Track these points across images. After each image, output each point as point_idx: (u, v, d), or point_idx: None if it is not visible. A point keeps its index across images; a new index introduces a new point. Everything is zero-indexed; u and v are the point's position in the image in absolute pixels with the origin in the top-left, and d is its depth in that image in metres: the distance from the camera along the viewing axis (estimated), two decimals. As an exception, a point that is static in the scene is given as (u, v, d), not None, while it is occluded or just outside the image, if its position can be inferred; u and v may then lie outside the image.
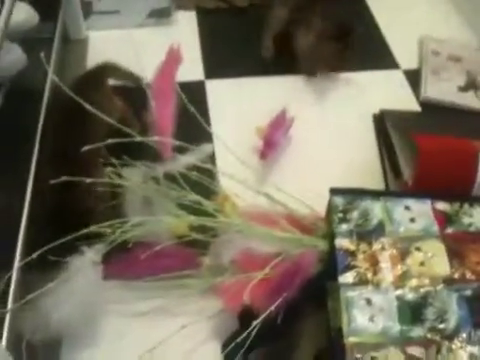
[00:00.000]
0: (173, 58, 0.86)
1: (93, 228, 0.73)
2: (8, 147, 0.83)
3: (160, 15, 1.23)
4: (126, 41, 1.18)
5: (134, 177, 0.80)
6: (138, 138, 0.75)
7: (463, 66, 1.17)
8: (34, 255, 0.67)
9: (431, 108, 1.09)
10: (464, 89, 1.12)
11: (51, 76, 0.90)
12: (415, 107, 1.10)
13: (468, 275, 0.72)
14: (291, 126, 1.01)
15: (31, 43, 0.99)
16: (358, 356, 0.66)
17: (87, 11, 1.20)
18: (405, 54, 1.21)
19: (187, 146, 0.81)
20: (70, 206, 0.78)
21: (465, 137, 0.91)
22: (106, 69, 0.98)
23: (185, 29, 1.25)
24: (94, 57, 1.16)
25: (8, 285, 0.68)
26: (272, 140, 0.96)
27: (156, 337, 0.72)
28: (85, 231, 0.71)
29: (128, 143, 0.77)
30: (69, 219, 0.75)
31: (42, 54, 0.77)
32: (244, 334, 0.69)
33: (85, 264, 0.73)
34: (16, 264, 0.70)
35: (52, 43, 1.04)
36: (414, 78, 1.15)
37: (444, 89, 1.11)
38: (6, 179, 0.79)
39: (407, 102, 1.10)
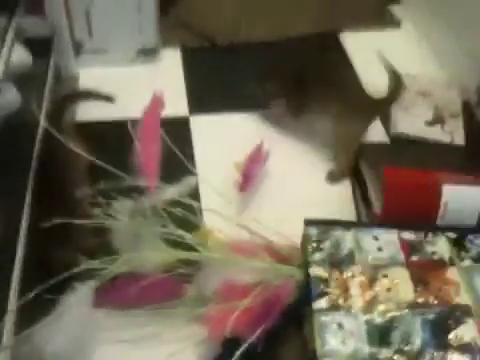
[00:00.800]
0: (156, 103, 0.93)
1: (84, 266, 0.78)
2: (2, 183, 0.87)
3: (147, 53, 1.30)
4: (115, 78, 1.24)
5: (121, 211, 0.86)
6: (125, 181, 0.82)
7: (431, 101, 1.25)
8: (29, 297, 0.72)
9: (401, 142, 1.17)
10: (431, 123, 1.19)
11: (43, 115, 0.97)
12: (386, 141, 1.17)
13: (431, 300, 0.78)
14: (267, 159, 1.07)
15: (24, 81, 1.05)
16: (331, 376, 0.72)
17: (77, 50, 1.26)
18: (376, 89, 1.28)
19: (171, 181, 0.87)
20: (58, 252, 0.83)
21: (432, 168, 0.99)
22: (65, 101, 1.04)
23: (171, 66, 1.32)
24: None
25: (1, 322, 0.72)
26: (250, 173, 1.02)
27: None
28: (76, 270, 0.77)
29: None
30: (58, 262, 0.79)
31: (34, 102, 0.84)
32: None
33: (78, 300, 0.78)
34: (11, 303, 0.74)
35: (45, 81, 1.09)
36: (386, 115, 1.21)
37: (412, 124, 1.18)
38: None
39: (378, 136, 1.17)
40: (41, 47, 1.16)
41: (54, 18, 1.16)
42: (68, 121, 1.02)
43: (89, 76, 1.26)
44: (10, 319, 0.71)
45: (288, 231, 0.89)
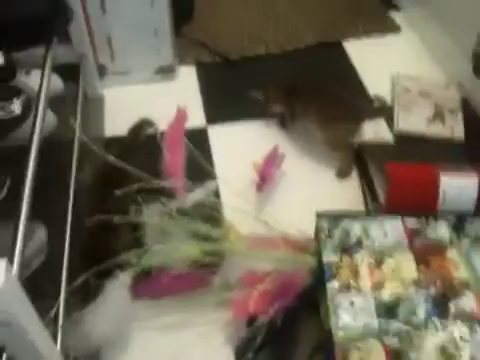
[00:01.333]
0: (180, 116, 1.04)
1: (123, 257, 0.89)
2: (47, 193, 0.99)
3: (165, 71, 1.42)
4: (137, 96, 1.36)
5: (153, 213, 0.97)
6: (159, 183, 0.93)
7: (432, 100, 1.33)
8: (78, 281, 0.84)
9: (404, 139, 1.25)
10: (432, 120, 1.28)
11: (78, 133, 1.09)
12: (390, 139, 1.26)
13: (432, 277, 0.87)
14: (283, 161, 1.17)
15: (58, 104, 1.17)
16: (345, 347, 0.81)
17: (102, 72, 1.38)
18: (379, 92, 1.37)
19: (195, 185, 0.98)
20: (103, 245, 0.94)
21: (432, 162, 1.07)
22: (140, 127, 1.16)
23: (187, 82, 1.44)
24: (110, 111, 1.35)
25: (58, 307, 0.83)
26: (267, 174, 1.12)
27: (179, 345, 0.87)
28: (117, 260, 0.88)
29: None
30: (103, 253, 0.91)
31: (72, 119, 0.95)
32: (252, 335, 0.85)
33: (118, 286, 0.89)
34: (63, 289, 0.85)
35: (76, 102, 1.21)
36: (389, 115, 1.30)
37: (414, 122, 1.27)
38: (47, 222, 0.94)
39: (383, 135, 1.26)
40: (70, 72, 1.28)
41: (80, 46, 1.28)
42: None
43: (113, 96, 1.38)
44: (62, 302, 0.82)
45: (303, 225, 0.98)
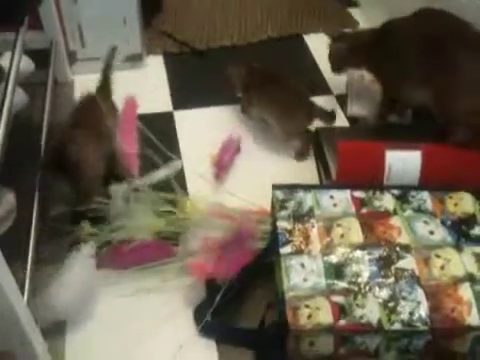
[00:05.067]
0: (130, 104, 1.11)
1: (87, 230, 0.95)
2: (17, 164, 1.03)
3: (134, 59, 1.48)
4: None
5: (117, 192, 1.03)
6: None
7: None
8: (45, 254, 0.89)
9: (357, 122, 1.34)
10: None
11: (47, 112, 1.15)
12: (345, 124, 1.35)
13: (376, 242, 0.95)
14: (240, 144, 1.25)
15: (30, 86, 1.23)
16: (295, 305, 0.87)
17: (72, 59, 1.44)
18: (337, 82, 1.46)
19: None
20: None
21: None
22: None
23: (155, 70, 1.50)
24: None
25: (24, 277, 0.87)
26: (223, 163, 1.19)
27: (142, 312, 0.93)
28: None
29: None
30: None
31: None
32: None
33: (83, 256, 0.94)
34: (29, 261, 0.90)
35: (46, 86, 1.26)
36: (344, 101, 1.40)
37: (365, 106, 1.36)
38: (16, 191, 0.99)
39: (338, 121, 1.34)
40: (41, 57, 1.33)
41: (51, 31, 1.33)
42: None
43: (84, 82, 1.42)
44: (28, 272, 0.87)
45: (261, 201, 1.06)
